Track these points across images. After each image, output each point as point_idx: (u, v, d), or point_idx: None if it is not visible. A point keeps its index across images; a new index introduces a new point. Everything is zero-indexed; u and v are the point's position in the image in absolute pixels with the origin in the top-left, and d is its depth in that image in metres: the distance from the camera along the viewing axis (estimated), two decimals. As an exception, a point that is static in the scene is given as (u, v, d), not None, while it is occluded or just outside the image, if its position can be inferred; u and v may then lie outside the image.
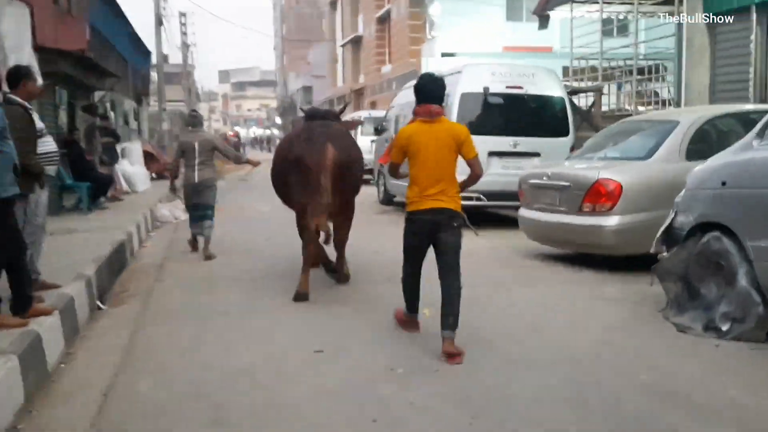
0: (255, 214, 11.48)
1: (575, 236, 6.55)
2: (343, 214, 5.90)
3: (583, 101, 14.22)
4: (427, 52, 22.71)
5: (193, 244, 7.98)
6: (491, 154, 9.36)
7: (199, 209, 7.80)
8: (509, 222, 10.13)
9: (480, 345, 4.25)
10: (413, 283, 4.42)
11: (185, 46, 37.15)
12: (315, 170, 5.37)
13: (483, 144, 9.25)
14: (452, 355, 3.98)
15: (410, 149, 4.25)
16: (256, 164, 8.58)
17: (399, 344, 4.33)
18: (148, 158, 17.01)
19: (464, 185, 4.39)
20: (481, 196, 9.32)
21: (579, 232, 6.46)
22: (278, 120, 65.89)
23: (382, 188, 13.05)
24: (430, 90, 4.28)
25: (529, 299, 5.45)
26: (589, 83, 14.58)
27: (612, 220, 6.23)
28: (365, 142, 17.02)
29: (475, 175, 4.37)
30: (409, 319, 4.51)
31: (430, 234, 4.21)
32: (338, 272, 6.01)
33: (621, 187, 6.18)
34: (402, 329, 4.54)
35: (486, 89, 9.29)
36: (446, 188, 4.21)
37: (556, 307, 5.23)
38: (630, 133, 7.33)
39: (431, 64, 21.11)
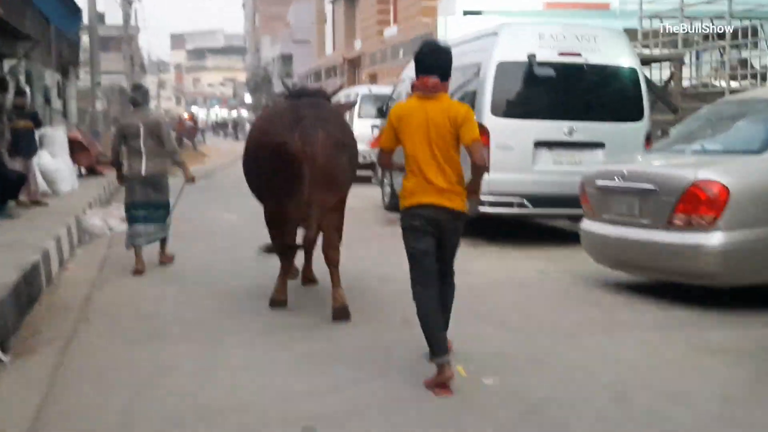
0: (219, 227, 11.42)
1: (663, 260, 6.28)
2: (332, 219, 5.98)
3: (655, 75, 13.80)
4: (445, 9, 22.40)
5: (139, 264, 7.91)
6: (539, 144, 9.16)
7: (149, 209, 7.97)
8: (563, 237, 9.94)
9: (546, 422, 3.97)
10: (432, 303, 4.41)
11: (127, 2, 36.78)
12: (301, 160, 5.47)
13: (527, 131, 9.01)
14: (443, 372, 4.23)
15: (404, 131, 4.42)
16: (190, 179, 8.33)
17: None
18: (76, 149, 16.71)
19: (471, 186, 4.51)
20: (525, 201, 9.10)
21: (668, 253, 6.20)
22: (248, 98, 65.75)
23: (387, 189, 12.87)
24: (430, 59, 4.45)
25: (606, 353, 5.15)
26: (664, 51, 14.17)
27: (715, 238, 5.97)
28: (364, 127, 16.73)
29: (475, 167, 4.41)
30: (440, 373, 4.32)
31: (434, 233, 4.38)
32: (333, 305, 5.85)
33: (727, 191, 5.93)
34: (435, 393, 4.26)
35: (532, 57, 9.15)
36: (450, 181, 4.37)
37: (644, 364, 4.94)
38: (733, 118, 7.04)
39: (451, 24, 21.00)
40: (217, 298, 6.70)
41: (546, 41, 9.28)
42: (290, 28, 53.27)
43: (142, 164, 7.89)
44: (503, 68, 9.09)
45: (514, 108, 9.18)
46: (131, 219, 8.06)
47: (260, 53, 63.95)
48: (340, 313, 5.77)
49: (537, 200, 9.03)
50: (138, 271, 7.81)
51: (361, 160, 7.52)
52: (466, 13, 21.66)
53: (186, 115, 42.37)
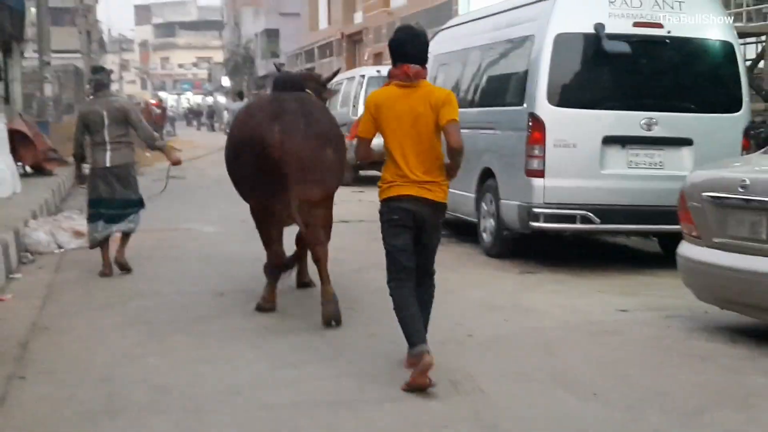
0: (195, 242, 10.97)
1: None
2: (319, 215, 6.54)
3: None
4: None
5: (106, 264, 8.44)
6: (608, 140, 8.62)
7: (115, 207, 8.41)
8: (633, 259, 9.52)
9: None
10: (408, 298, 4.98)
11: (83, -34, 36.11)
12: (282, 154, 6.10)
13: (593, 124, 8.56)
14: (423, 371, 4.76)
15: (383, 120, 4.95)
16: (175, 161, 8.90)
17: None
18: (19, 142, 16.23)
19: (449, 169, 5.07)
20: (590, 215, 8.52)
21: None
22: (226, 82, 65.20)
23: None
24: (409, 46, 4.96)
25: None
26: (750, 24, 13.35)
27: None
28: None
29: (452, 150, 4.94)
30: (414, 360, 4.87)
31: (414, 228, 4.94)
32: (323, 302, 6.40)
33: None
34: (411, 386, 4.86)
35: (600, 28, 8.54)
36: (427, 172, 4.92)
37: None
38: None
39: None
40: (192, 350, 5.99)
41: (618, 7, 8.69)
42: None
43: (107, 155, 8.23)
44: (562, 42, 8.56)
45: (576, 94, 8.66)
46: (93, 216, 8.42)
47: (240, 28, 63.64)
48: (330, 311, 6.35)
49: (606, 213, 8.51)
50: (105, 274, 8.30)
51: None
52: (494, -22, 21.45)
53: (153, 101, 41.65)
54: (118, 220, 8.47)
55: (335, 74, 8.13)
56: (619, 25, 8.53)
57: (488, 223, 9.52)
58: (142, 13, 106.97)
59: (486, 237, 9.60)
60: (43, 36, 23.74)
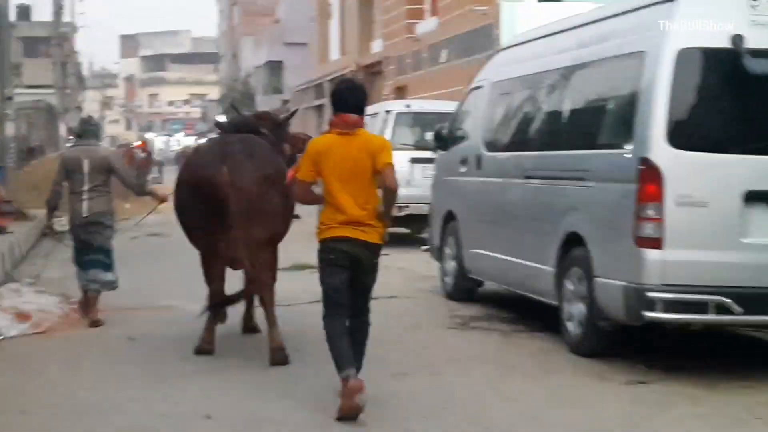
0: (175, 327, 9.37)
1: None
2: (264, 257, 7.52)
3: None
4: None
5: (84, 305, 9.48)
6: (753, 197, 7.18)
7: (90, 254, 9.33)
8: None
9: None
10: (339, 329, 6.09)
11: (58, -12, 34.95)
12: (228, 196, 7.15)
13: (731, 173, 7.22)
14: (352, 396, 5.83)
15: (324, 165, 6.07)
16: (162, 199, 9.96)
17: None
18: None
19: (384, 212, 6.17)
20: (728, 302, 6.99)
21: None
22: (221, 119, 64.01)
23: (451, 264, 10.84)
24: (349, 98, 6.17)
25: None
26: None
27: None
28: (399, 161, 14.49)
29: (387, 190, 6.09)
30: (347, 387, 5.88)
31: (349, 268, 6.09)
32: (271, 348, 7.44)
33: None
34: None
35: (739, 41, 7.18)
36: (363, 215, 6.05)
37: None
38: None
39: (521, 13, 20.31)
40: None
41: (762, 13, 7.30)
42: (281, 27, 53.09)
43: (83, 205, 9.08)
44: (687, 60, 7.22)
45: (706, 132, 7.29)
46: (78, 264, 9.50)
47: (239, 60, 63.03)
48: (277, 355, 7.39)
49: (751, 300, 7.05)
50: (94, 323, 9.21)
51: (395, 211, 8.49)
52: (541, -4, 20.84)
53: (136, 143, 40.36)
54: (99, 266, 9.37)
55: (293, 114, 9.19)
56: (765, 37, 7.18)
57: (576, 309, 7.91)
58: (129, 44, 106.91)
59: (572, 327, 7.96)
60: (4, 65, 22.31)
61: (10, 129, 22.62)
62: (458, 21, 24.23)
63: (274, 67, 52.55)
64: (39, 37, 52.52)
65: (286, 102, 49.17)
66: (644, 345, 8.06)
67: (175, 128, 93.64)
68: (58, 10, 39.01)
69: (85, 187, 9.09)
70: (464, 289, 10.46)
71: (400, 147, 15.58)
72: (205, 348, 7.72)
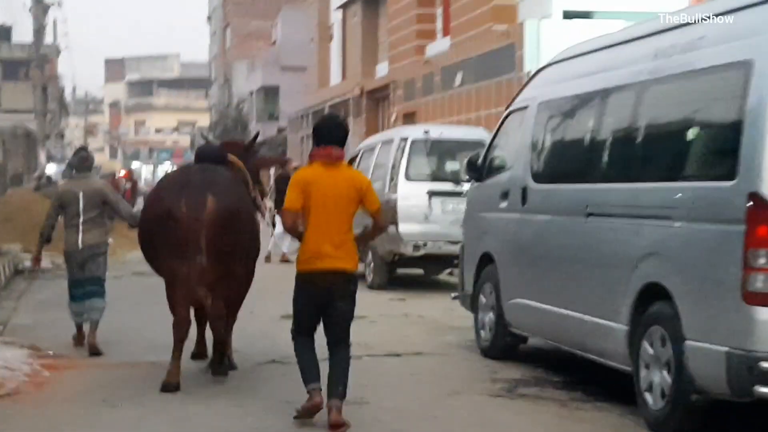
0: (159, 386, 8.23)
1: None
2: (222, 288, 8.06)
3: None
4: (533, 10, 20.77)
5: (79, 336, 10.00)
6: None
7: (85, 285, 9.85)
8: None
9: None
10: (306, 349, 6.86)
11: (40, 5, 33.81)
12: (185, 226, 7.74)
13: None
14: (339, 425, 6.49)
15: (310, 196, 6.64)
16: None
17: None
18: None
19: (364, 239, 7.43)
20: None
21: None
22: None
23: (487, 315, 9.57)
24: (334, 131, 6.80)
25: None
26: None
27: None
28: (416, 194, 13.82)
29: (379, 228, 7.21)
30: (310, 399, 6.71)
31: (323, 298, 6.73)
32: (215, 362, 8.39)
33: None
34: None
35: None
36: (343, 245, 6.69)
37: None
38: None
39: (546, 31, 19.75)
40: None
41: None
42: (276, 49, 52.60)
43: (79, 236, 9.59)
44: None
45: None
46: (72, 296, 10.01)
47: (232, 86, 62.00)
48: (222, 370, 8.37)
49: None
50: (81, 343, 9.92)
51: (409, 250, 11.14)
52: (567, 15, 20.24)
53: (121, 173, 39.28)
54: (90, 295, 9.85)
55: (256, 138, 9.89)
56: None
57: (657, 378, 6.70)
58: (114, 69, 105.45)
59: (652, 400, 6.77)
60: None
61: (-18, 155, 21.44)
62: (474, 41, 23.19)
63: (270, 93, 51.86)
64: (19, 59, 51.67)
65: (282, 130, 48.26)
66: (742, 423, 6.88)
67: (162, 157, 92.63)
68: (39, 29, 37.91)
69: (80, 219, 9.63)
70: (505, 345, 9.19)
71: (417, 178, 14.53)
72: (172, 381, 7.91)
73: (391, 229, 14.22)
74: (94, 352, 9.59)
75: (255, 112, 54.47)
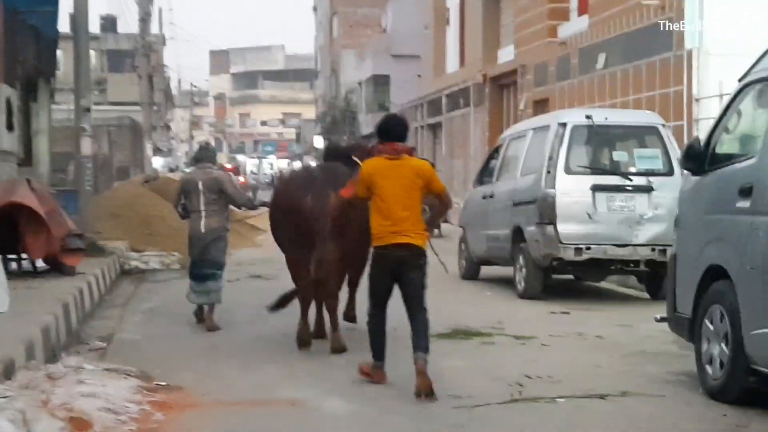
0: None
1: None
2: (338, 270, 9.30)
3: None
4: None
5: (199, 314, 10.97)
6: None
7: (204, 267, 10.81)
8: None
9: None
10: (379, 324, 7.79)
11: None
12: (317, 219, 8.84)
13: None
14: (424, 375, 7.34)
15: (375, 184, 7.61)
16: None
17: None
18: (28, 224, 12.80)
19: (433, 219, 8.36)
20: None
21: None
22: (319, 142, 62.06)
23: (714, 347, 7.56)
24: (398, 129, 7.81)
25: None
26: None
27: None
28: (579, 188, 12.44)
29: (443, 206, 8.05)
30: (374, 370, 7.83)
31: (395, 270, 7.58)
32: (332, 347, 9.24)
33: None
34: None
35: None
36: (412, 224, 7.55)
37: None
38: None
39: (712, 3, 17.50)
40: None
41: None
42: (386, 37, 51.24)
43: (201, 222, 10.68)
44: None
45: None
46: (191, 275, 10.98)
47: (339, 76, 60.54)
48: (335, 345, 9.15)
49: None
50: (201, 320, 10.88)
51: (569, 254, 11.99)
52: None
53: (228, 166, 38.04)
54: (207, 278, 10.72)
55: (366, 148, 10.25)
56: None
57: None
58: (219, 61, 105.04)
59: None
60: (80, 74, 19.63)
61: (87, 147, 19.84)
62: (618, 18, 20.94)
63: (380, 82, 50.21)
64: (125, 50, 51.01)
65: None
66: None
67: (267, 150, 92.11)
68: (144, 17, 36.71)
69: (202, 206, 10.64)
70: (746, 387, 7.08)
71: (578, 170, 12.50)
72: (304, 336, 9.32)
73: (549, 230, 12.27)
74: (212, 328, 10.58)
75: (364, 102, 52.84)
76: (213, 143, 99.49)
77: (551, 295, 12.75)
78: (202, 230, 10.61)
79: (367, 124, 48.34)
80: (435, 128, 38.64)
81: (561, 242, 12.21)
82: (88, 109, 19.61)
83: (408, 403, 7.21)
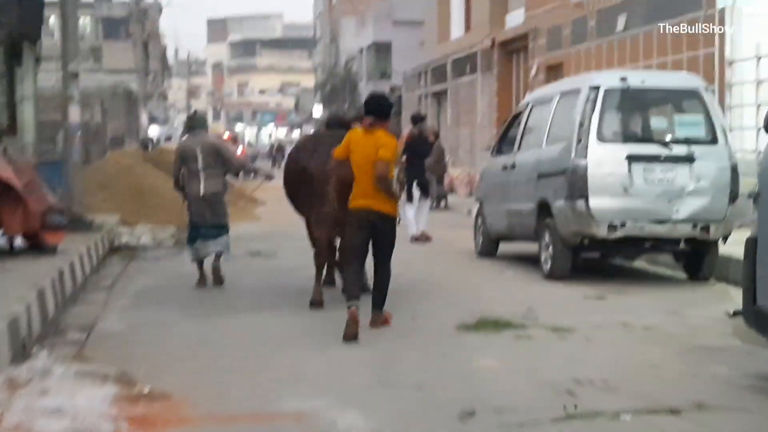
0: None
1: None
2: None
3: None
4: None
5: (201, 277, 11.37)
6: None
7: (207, 228, 11.33)
8: None
9: None
10: (354, 271, 8.58)
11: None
12: (320, 181, 9.60)
13: None
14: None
15: (352, 151, 8.60)
16: (269, 176, 12.95)
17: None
18: (5, 197, 11.70)
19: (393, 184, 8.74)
20: None
21: None
22: (318, 111, 60.78)
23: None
24: (374, 106, 8.70)
25: None
26: None
27: None
28: (613, 158, 11.16)
29: (377, 172, 8.45)
30: (350, 311, 8.27)
31: (366, 230, 8.49)
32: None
33: None
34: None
35: None
36: (378, 192, 8.42)
37: None
38: None
39: None
40: None
41: None
42: (388, 3, 49.92)
43: (200, 185, 11.13)
44: None
45: None
46: (190, 239, 11.48)
47: (339, 44, 59.13)
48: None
49: None
50: (203, 284, 11.29)
51: (602, 231, 10.94)
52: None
53: (227, 135, 36.72)
54: (210, 237, 11.29)
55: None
56: None
57: None
58: (217, 29, 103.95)
59: None
60: (68, 34, 18.14)
61: (75, 114, 18.42)
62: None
63: (381, 49, 49.04)
64: (120, 17, 49.53)
65: (394, 89, 45.35)
66: None
67: (266, 119, 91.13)
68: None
69: (200, 170, 11.08)
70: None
71: (612, 138, 11.22)
72: (317, 299, 9.71)
73: (579, 204, 10.98)
74: (219, 281, 11.22)
75: (365, 70, 51.67)
76: (211, 113, 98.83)
77: (578, 275, 11.47)
78: (201, 192, 11.06)
79: (368, 92, 46.96)
80: (439, 96, 37.32)
81: (593, 218, 10.92)
82: (76, 75, 18.17)
83: (442, 416, 5.94)
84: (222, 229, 11.29)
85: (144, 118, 39.78)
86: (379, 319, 8.54)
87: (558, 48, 24.34)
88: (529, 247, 12.80)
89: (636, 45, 19.46)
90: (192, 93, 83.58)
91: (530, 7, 26.77)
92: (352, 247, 8.61)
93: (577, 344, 7.94)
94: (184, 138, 12.09)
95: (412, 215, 16.11)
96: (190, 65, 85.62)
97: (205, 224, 11.18)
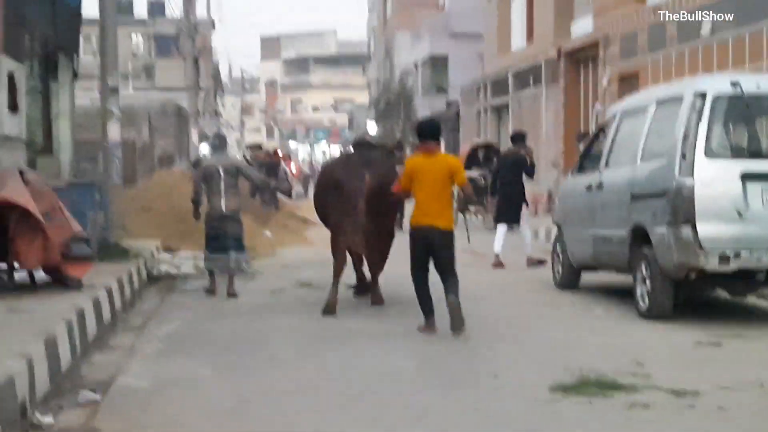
0: None
1: None
2: (376, 242, 10.73)
3: None
4: None
5: (212, 286, 12.14)
6: None
7: (225, 241, 11.97)
8: None
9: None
10: (422, 286, 9.37)
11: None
12: (351, 192, 10.38)
13: None
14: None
15: (415, 178, 9.26)
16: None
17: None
18: (20, 226, 10.46)
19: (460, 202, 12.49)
20: None
21: None
22: (372, 127, 59.49)
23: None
24: (428, 130, 9.45)
25: None
26: None
27: None
28: (726, 177, 9.37)
29: (465, 193, 10.20)
30: (427, 327, 9.36)
31: (427, 245, 9.22)
32: (372, 294, 11.10)
33: None
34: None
35: None
36: (442, 209, 9.21)
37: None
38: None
39: None
40: None
41: None
42: (444, 14, 49.50)
43: (222, 202, 11.86)
44: None
45: None
46: (208, 247, 12.13)
47: (393, 58, 57.93)
48: (375, 300, 11.01)
49: None
50: (213, 292, 12.07)
51: (713, 262, 9.39)
52: None
53: (277, 151, 35.25)
54: (227, 249, 11.92)
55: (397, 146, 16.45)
56: None
57: None
58: (270, 47, 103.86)
59: None
60: (106, 47, 16.80)
61: (115, 132, 17.06)
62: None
63: (437, 63, 47.77)
64: (173, 35, 48.75)
65: (451, 103, 43.96)
66: None
67: (319, 136, 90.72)
68: (187, 3, 34.22)
69: (222, 189, 11.89)
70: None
71: (723, 154, 9.53)
72: (330, 308, 10.34)
73: (685, 231, 9.30)
74: (232, 294, 11.82)
75: (420, 84, 50.46)
76: (264, 130, 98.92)
77: (680, 312, 9.77)
78: (224, 209, 11.82)
79: (424, 107, 45.93)
80: (500, 110, 35.84)
81: (701, 248, 9.22)
82: (115, 90, 16.85)
83: None
84: (240, 242, 11.99)
85: (195, 136, 38.66)
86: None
87: (633, 56, 22.76)
88: (615, 277, 11.17)
89: (725, 50, 17.90)
90: (245, 110, 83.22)
91: (599, 13, 25.21)
92: (418, 260, 9.29)
93: (708, 417, 6.22)
94: (207, 159, 13.21)
95: (503, 234, 14.84)
96: (243, 82, 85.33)
97: (225, 236, 11.86)
